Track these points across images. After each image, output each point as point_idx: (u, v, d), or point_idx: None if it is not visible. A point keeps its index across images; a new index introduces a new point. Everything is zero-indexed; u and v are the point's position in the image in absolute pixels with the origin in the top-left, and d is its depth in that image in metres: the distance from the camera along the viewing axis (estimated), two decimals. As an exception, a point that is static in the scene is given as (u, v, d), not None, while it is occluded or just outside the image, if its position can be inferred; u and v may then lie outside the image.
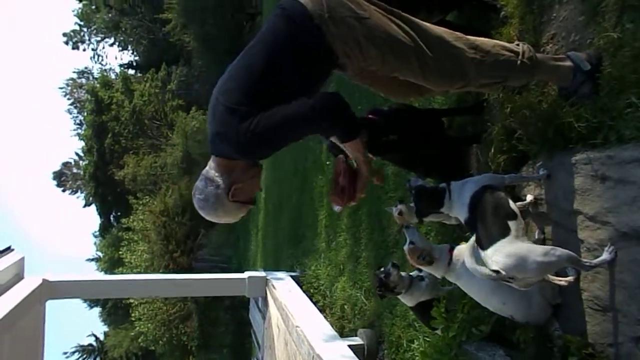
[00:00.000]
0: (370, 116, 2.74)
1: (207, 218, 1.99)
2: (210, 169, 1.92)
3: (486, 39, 2.00)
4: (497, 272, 1.80)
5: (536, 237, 2.13)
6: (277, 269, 6.78)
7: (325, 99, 1.80)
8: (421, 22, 1.92)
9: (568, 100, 2.01)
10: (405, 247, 2.33)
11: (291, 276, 5.74)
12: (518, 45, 2.00)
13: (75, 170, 36.03)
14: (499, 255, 1.82)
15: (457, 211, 2.14)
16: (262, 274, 5.65)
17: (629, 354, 1.71)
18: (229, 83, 1.89)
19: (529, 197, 2.17)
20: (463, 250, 2.17)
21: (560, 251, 1.80)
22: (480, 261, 1.92)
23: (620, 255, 1.74)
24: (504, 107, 2.24)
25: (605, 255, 1.77)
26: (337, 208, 2.13)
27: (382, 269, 2.77)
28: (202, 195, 1.92)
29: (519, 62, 1.94)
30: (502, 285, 1.91)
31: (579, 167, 1.91)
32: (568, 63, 2.01)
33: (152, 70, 26.05)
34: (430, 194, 2.21)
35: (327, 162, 5.78)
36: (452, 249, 2.25)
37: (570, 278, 1.92)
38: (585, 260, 1.81)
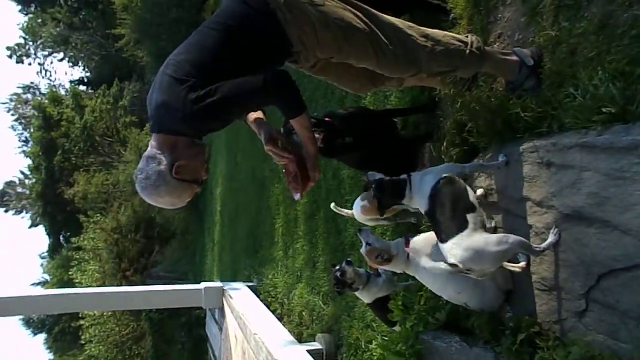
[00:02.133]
0: (326, 119, 2.80)
1: (150, 200, 1.87)
2: (152, 148, 1.84)
3: (437, 30, 2.10)
4: (454, 265, 1.86)
5: (488, 226, 2.21)
6: (235, 280, 6.70)
7: (274, 74, 1.82)
8: (376, 11, 1.99)
9: (515, 93, 2.12)
10: (363, 250, 2.35)
11: (248, 286, 5.69)
12: (467, 37, 2.10)
13: (20, 190, 34.52)
14: (457, 249, 1.87)
15: (418, 202, 2.15)
16: (219, 284, 5.58)
17: (573, 329, 1.79)
18: (179, 57, 1.86)
19: (480, 191, 2.26)
20: (419, 243, 2.22)
21: (512, 238, 1.88)
22: (439, 254, 1.98)
23: (564, 236, 1.84)
24: (455, 102, 2.33)
25: (551, 238, 1.86)
26: (296, 196, 2.13)
27: (338, 267, 2.79)
28: (144, 175, 1.81)
29: (468, 51, 2.05)
30: (457, 275, 1.97)
31: (527, 155, 2.01)
32: (515, 58, 2.14)
33: (104, 86, 25.47)
34: (391, 186, 2.21)
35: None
36: (407, 242, 2.29)
37: (522, 264, 2.01)
38: (535, 245, 1.90)
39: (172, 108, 1.78)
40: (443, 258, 1.95)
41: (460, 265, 1.83)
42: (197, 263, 13.73)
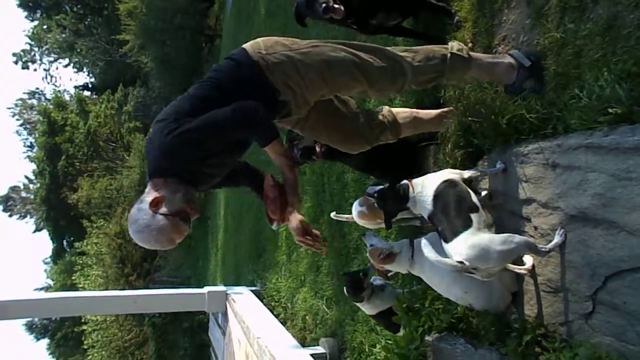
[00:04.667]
0: None
1: (145, 244, 1.91)
2: (144, 195, 1.93)
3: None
4: (461, 262, 1.85)
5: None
6: (238, 284, 6.69)
7: (241, 104, 1.90)
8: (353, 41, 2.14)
9: (515, 96, 2.12)
10: (367, 251, 2.37)
11: (252, 291, 5.69)
12: (447, 44, 2.19)
13: (24, 194, 34.64)
14: (462, 246, 1.86)
15: (421, 206, 2.15)
16: (222, 288, 5.58)
17: (580, 330, 1.78)
18: (168, 108, 1.99)
19: (484, 193, 2.25)
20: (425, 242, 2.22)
21: (518, 238, 1.88)
22: (442, 254, 1.97)
23: (569, 237, 1.83)
24: (459, 104, 2.33)
25: (556, 239, 1.86)
26: (274, 226, 2.18)
27: (362, 272, 2.78)
28: (133, 219, 1.90)
29: (449, 54, 2.14)
30: (464, 274, 1.96)
31: (532, 156, 2.00)
32: (507, 60, 2.19)
33: (108, 91, 25.60)
34: (393, 193, 2.21)
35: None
36: (412, 242, 2.29)
37: (528, 266, 2.00)
38: (540, 245, 1.89)
39: (153, 145, 1.91)
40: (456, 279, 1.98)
41: (467, 263, 1.82)
42: (200, 267, 13.73)
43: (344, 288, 2.80)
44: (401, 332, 2.67)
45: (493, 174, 2.17)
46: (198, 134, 1.85)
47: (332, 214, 3.11)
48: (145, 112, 25.94)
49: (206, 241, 13.22)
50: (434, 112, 2.61)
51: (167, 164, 1.90)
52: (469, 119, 2.21)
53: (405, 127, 2.55)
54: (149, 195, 1.90)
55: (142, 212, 1.88)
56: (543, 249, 1.87)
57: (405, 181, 2.20)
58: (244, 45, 2.07)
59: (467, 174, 2.19)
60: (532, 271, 1.99)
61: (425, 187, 2.12)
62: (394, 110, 2.59)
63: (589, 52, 1.90)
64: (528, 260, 1.99)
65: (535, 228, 1.99)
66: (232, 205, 9.90)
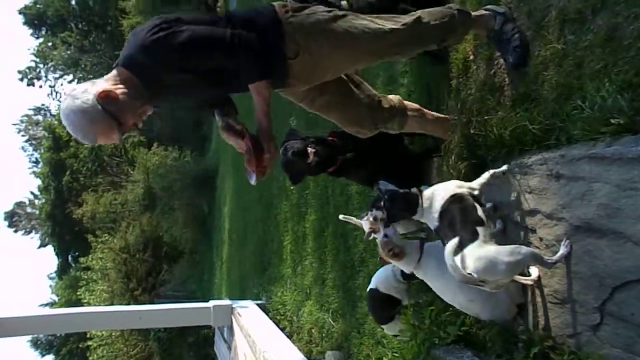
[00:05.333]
0: (329, 138, 2.83)
1: (67, 124, 1.79)
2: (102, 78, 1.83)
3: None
4: (469, 274, 1.85)
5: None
6: (243, 298, 6.67)
7: (242, 32, 1.85)
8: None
9: (499, 44, 2.31)
10: (379, 239, 2.34)
11: (257, 304, 5.66)
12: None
13: (29, 210, 34.75)
14: (469, 259, 1.86)
15: (428, 218, 2.14)
16: (227, 302, 5.56)
17: (588, 342, 1.77)
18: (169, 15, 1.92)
19: (489, 204, 2.25)
20: (434, 248, 2.22)
21: (524, 249, 1.88)
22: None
23: (575, 248, 1.83)
24: (462, 116, 2.34)
25: (562, 250, 1.85)
26: (252, 179, 2.05)
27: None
28: (74, 94, 1.77)
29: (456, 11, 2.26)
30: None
31: (535, 167, 2.01)
32: (487, 12, 2.36)
33: (113, 106, 25.74)
34: (404, 199, 2.18)
35: (292, 188, 5.81)
36: (422, 245, 2.29)
37: (534, 277, 2.00)
38: (546, 257, 1.89)
39: (139, 36, 1.81)
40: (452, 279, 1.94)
41: (475, 275, 1.83)
42: (205, 281, 13.70)
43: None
44: (387, 331, 2.73)
45: (497, 175, 2.13)
46: (187, 42, 1.77)
47: (341, 216, 3.10)
48: (149, 127, 26.06)
49: (211, 255, 13.21)
50: (439, 114, 2.64)
51: (142, 59, 1.80)
52: (472, 130, 2.22)
53: (411, 121, 2.54)
54: (106, 82, 1.80)
55: (87, 94, 1.76)
56: (549, 261, 1.87)
57: (415, 190, 2.18)
58: (273, 3, 2.02)
59: (475, 184, 2.15)
60: (539, 282, 1.99)
61: (433, 200, 2.11)
62: (404, 102, 2.60)
63: (590, 63, 1.91)
64: (534, 271, 1.98)
65: (541, 239, 1.99)
66: (237, 220, 9.91)
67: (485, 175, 2.13)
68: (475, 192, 2.10)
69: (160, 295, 14.08)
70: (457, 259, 1.90)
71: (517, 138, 2.09)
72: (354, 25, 2.04)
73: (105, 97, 1.76)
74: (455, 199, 2.05)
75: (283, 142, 2.69)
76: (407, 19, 2.14)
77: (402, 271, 2.60)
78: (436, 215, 2.06)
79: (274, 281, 6.24)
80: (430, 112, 2.63)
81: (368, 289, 2.81)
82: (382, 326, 2.87)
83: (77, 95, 1.77)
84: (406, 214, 2.21)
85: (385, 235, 2.32)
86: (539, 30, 2.19)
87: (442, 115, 2.63)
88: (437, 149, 2.76)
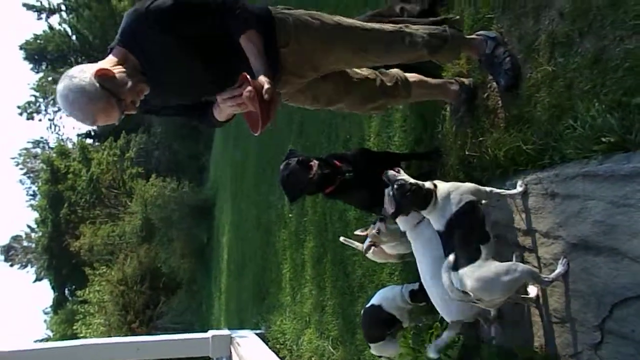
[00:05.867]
0: (333, 160, 2.85)
1: (66, 106, 1.77)
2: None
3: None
4: (465, 293, 1.86)
5: None
6: (242, 328, 6.59)
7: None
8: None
9: (490, 67, 2.37)
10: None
11: (256, 334, 5.58)
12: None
13: (26, 244, 34.49)
14: (468, 279, 1.86)
15: (435, 217, 2.06)
16: (226, 332, 5.48)
17: (590, 361, 1.76)
18: None
19: None
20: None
21: (521, 267, 1.88)
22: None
23: (572, 266, 1.84)
24: (457, 138, 2.38)
25: (560, 268, 1.86)
26: (257, 129, 1.86)
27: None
28: (71, 74, 1.76)
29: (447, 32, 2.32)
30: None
31: (531, 187, 2.03)
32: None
33: (111, 138, 25.89)
34: (416, 192, 2.05)
35: (290, 215, 5.81)
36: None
37: (532, 295, 2.00)
38: (543, 275, 1.90)
39: (132, 10, 1.83)
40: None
41: (471, 295, 1.83)
42: (204, 313, 13.52)
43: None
44: (373, 350, 2.73)
45: (515, 196, 2.11)
46: (176, 6, 1.80)
47: (341, 238, 3.09)
48: (148, 159, 26.14)
49: (209, 286, 13.08)
50: (439, 79, 2.70)
51: (136, 27, 1.81)
52: (467, 152, 2.25)
53: (415, 86, 2.54)
54: (104, 63, 1.80)
55: (84, 73, 1.75)
56: (546, 279, 1.87)
57: (430, 184, 2.07)
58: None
59: (490, 192, 2.10)
60: (538, 302, 1.98)
61: (448, 202, 2.02)
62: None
63: (580, 84, 1.96)
64: (532, 290, 1.98)
65: (539, 258, 2.00)
66: (236, 249, 9.87)
67: (501, 192, 2.11)
68: (485, 196, 2.08)
69: (157, 327, 13.88)
70: (454, 274, 1.91)
71: (511, 158, 2.12)
72: (342, 19, 2.15)
73: (102, 75, 1.75)
74: (470, 207, 1.99)
75: (283, 161, 2.70)
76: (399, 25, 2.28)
77: (410, 292, 2.59)
78: (445, 220, 1.99)
79: (272, 310, 6.17)
80: (431, 79, 2.67)
81: (369, 304, 2.78)
82: (370, 344, 2.84)
83: (74, 74, 1.76)
84: (417, 207, 2.09)
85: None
86: (529, 53, 2.24)
87: (443, 80, 2.68)
88: (433, 173, 2.79)
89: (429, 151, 2.94)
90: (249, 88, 1.75)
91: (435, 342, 2.15)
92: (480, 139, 2.29)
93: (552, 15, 2.13)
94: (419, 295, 2.56)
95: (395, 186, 2.07)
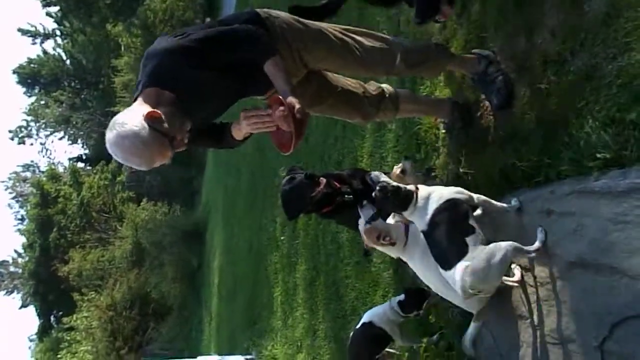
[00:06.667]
0: (330, 180, 2.81)
1: (121, 153, 1.77)
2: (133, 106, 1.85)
3: None
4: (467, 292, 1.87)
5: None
6: (232, 353, 6.46)
7: (245, 25, 1.99)
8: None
9: (482, 84, 2.39)
10: (361, 227, 2.25)
11: (247, 359, 5.48)
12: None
13: (12, 269, 33.90)
14: (462, 276, 1.86)
15: (417, 218, 2.07)
16: (215, 357, 5.38)
17: (591, 383, 1.71)
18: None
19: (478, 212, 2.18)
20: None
21: (503, 244, 1.88)
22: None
23: (570, 285, 1.80)
24: (451, 157, 2.36)
25: (539, 236, 1.90)
26: (287, 149, 1.94)
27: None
28: (120, 121, 1.76)
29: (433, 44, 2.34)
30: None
31: (526, 205, 2.01)
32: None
33: (102, 162, 25.79)
34: (396, 194, 2.07)
35: (282, 238, 5.76)
36: (407, 230, 2.22)
37: (517, 277, 2.04)
38: (526, 247, 1.90)
39: (156, 51, 1.88)
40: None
41: (471, 291, 1.85)
42: (194, 339, 13.28)
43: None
44: None
45: (505, 210, 2.10)
46: (205, 37, 1.90)
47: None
48: (139, 182, 25.99)
49: (200, 311, 12.88)
50: (432, 97, 2.74)
51: (167, 64, 1.85)
52: (461, 170, 2.23)
53: (404, 101, 2.54)
54: (144, 107, 1.79)
55: (133, 119, 1.75)
56: (529, 249, 1.90)
57: (412, 187, 2.10)
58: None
59: (477, 200, 2.09)
60: (539, 324, 1.94)
61: (429, 201, 2.03)
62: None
63: (573, 101, 1.95)
64: (516, 272, 2.02)
65: (535, 277, 1.96)
66: (227, 273, 9.75)
67: (491, 201, 2.10)
68: (474, 202, 2.07)
69: (146, 354, 13.59)
70: (447, 274, 1.93)
71: (506, 176, 2.11)
72: (327, 26, 2.23)
73: (152, 118, 1.76)
74: (451, 204, 2.00)
75: (286, 176, 2.66)
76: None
77: (398, 303, 2.54)
78: (428, 218, 2.01)
79: (264, 334, 6.06)
80: (422, 95, 2.71)
81: (359, 324, 2.69)
82: None
83: (124, 121, 1.76)
84: (398, 209, 2.12)
85: (368, 222, 2.22)
86: (522, 72, 2.25)
87: (436, 97, 2.70)
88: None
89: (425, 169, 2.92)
90: (282, 108, 1.82)
91: (467, 337, 2.10)
92: (475, 157, 2.27)
93: (543, 34, 2.14)
94: (408, 304, 2.53)
95: (377, 188, 2.10)
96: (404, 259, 2.29)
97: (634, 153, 1.65)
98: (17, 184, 33.57)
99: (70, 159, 32.46)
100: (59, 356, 17.84)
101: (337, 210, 2.84)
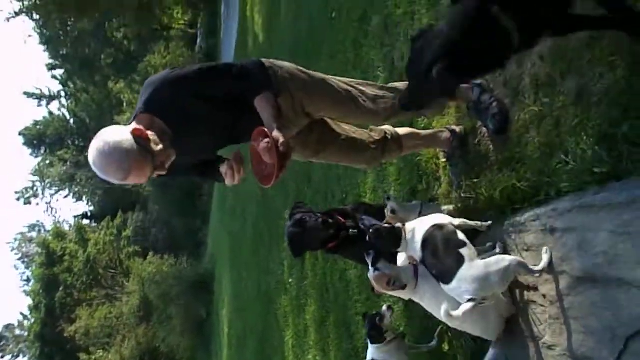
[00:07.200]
0: (334, 216, 2.84)
1: (101, 161, 1.80)
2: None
3: None
4: (471, 300, 1.89)
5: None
6: (244, 404, 6.29)
7: (244, 62, 2.11)
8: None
9: (477, 111, 2.45)
10: (370, 274, 2.28)
11: (260, 408, 5.33)
12: None
13: (18, 332, 33.43)
14: (464, 285, 1.90)
15: (412, 250, 2.19)
16: (228, 408, 5.23)
17: (610, 400, 1.68)
18: None
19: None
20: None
21: (508, 257, 1.98)
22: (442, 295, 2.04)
23: (580, 301, 1.79)
24: (452, 184, 2.40)
25: (545, 257, 1.91)
26: (267, 181, 1.97)
27: (376, 312, 2.73)
28: (107, 132, 1.84)
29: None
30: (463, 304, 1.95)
31: (529, 224, 2.03)
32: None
33: (108, 218, 25.88)
34: (388, 233, 2.22)
35: (290, 280, 5.72)
36: (416, 271, 2.24)
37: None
38: (531, 265, 1.93)
39: (153, 81, 1.98)
40: (447, 298, 1.99)
41: (476, 298, 1.87)
42: (204, 393, 12.96)
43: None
44: None
45: (482, 228, 2.22)
46: (200, 70, 2.00)
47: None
48: (145, 236, 25.99)
49: (210, 363, 12.62)
50: (430, 130, 2.79)
51: (162, 94, 1.93)
52: (463, 194, 2.26)
53: (406, 139, 2.62)
54: (133, 125, 1.88)
55: (120, 131, 1.83)
56: (535, 268, 1.91)
57: (399, 224, 2.24)
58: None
59: (456, 222, 2.20)
60: (549, 345, 1.92)
61: (415, 232, 2.17)
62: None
63: (567, 120, 2.00)
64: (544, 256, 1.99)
65: (544, 296, 1.96)
66: (236, 321, 9.61)
67: (471, 223, 2.21)
68: (456, 224, 2.16)
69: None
70: (448, 288, 1.97)
71: (507, 197, 2.14)
72: (328, 77, 2.32)
73: (139, 134, 1.83)
74: (436, 227, 2.12)
75: (290, 214, 2.69)
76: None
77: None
78: (418, 245, 2.12)
79: (276, 381, 5.93)
80: (422, 130, 2.78)
81: None
82: None
83: (111, 132, 1.84)
84: (392, 248, 2.24)
85: (376, 269, 2.25)
86: (516, 96, 2.32)
87: (435, 130, 2.75)
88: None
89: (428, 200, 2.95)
90: (267, 140, 1.86)
91: None
92: (475, 181, 2.31)
93: (533, 59, 2.22)
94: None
95: (371, 231, 2.23)
96: (416, 300, 2.32)
97: (630, 165, 1.68)
98: (23, 244, 33.61)
99: (75, 217, 32.62)
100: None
101: (342, 245, 2.86)
